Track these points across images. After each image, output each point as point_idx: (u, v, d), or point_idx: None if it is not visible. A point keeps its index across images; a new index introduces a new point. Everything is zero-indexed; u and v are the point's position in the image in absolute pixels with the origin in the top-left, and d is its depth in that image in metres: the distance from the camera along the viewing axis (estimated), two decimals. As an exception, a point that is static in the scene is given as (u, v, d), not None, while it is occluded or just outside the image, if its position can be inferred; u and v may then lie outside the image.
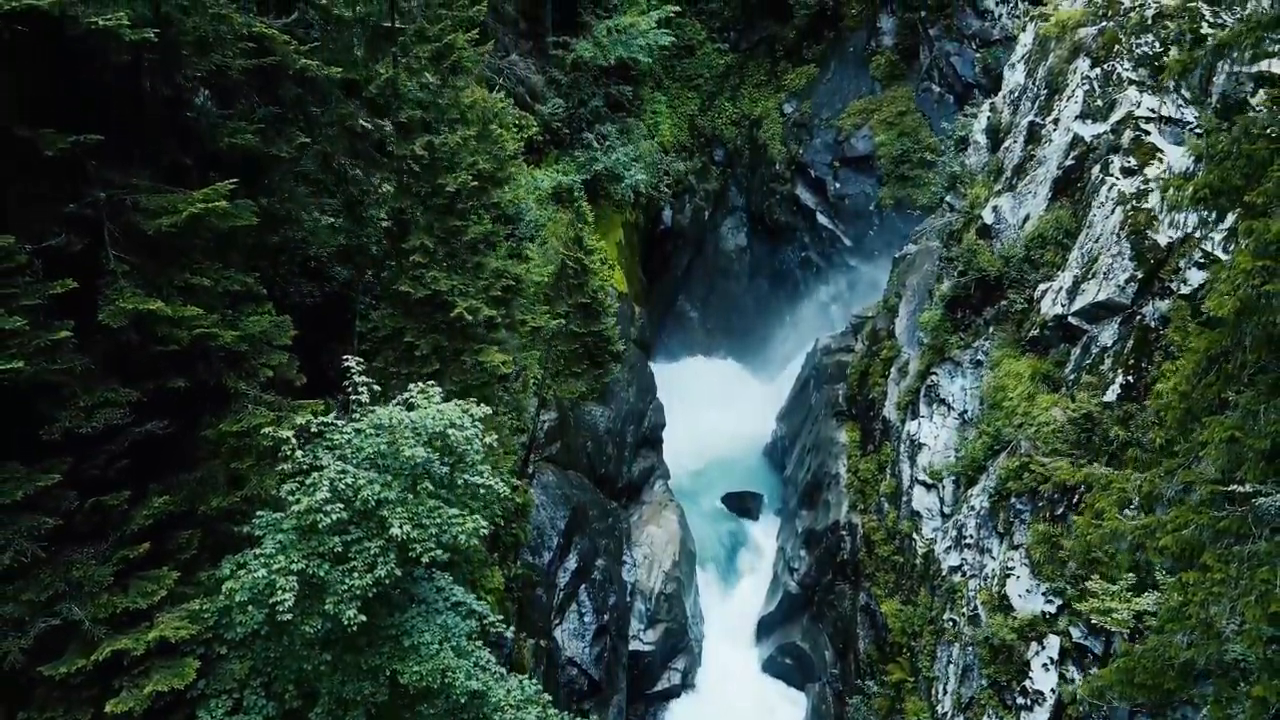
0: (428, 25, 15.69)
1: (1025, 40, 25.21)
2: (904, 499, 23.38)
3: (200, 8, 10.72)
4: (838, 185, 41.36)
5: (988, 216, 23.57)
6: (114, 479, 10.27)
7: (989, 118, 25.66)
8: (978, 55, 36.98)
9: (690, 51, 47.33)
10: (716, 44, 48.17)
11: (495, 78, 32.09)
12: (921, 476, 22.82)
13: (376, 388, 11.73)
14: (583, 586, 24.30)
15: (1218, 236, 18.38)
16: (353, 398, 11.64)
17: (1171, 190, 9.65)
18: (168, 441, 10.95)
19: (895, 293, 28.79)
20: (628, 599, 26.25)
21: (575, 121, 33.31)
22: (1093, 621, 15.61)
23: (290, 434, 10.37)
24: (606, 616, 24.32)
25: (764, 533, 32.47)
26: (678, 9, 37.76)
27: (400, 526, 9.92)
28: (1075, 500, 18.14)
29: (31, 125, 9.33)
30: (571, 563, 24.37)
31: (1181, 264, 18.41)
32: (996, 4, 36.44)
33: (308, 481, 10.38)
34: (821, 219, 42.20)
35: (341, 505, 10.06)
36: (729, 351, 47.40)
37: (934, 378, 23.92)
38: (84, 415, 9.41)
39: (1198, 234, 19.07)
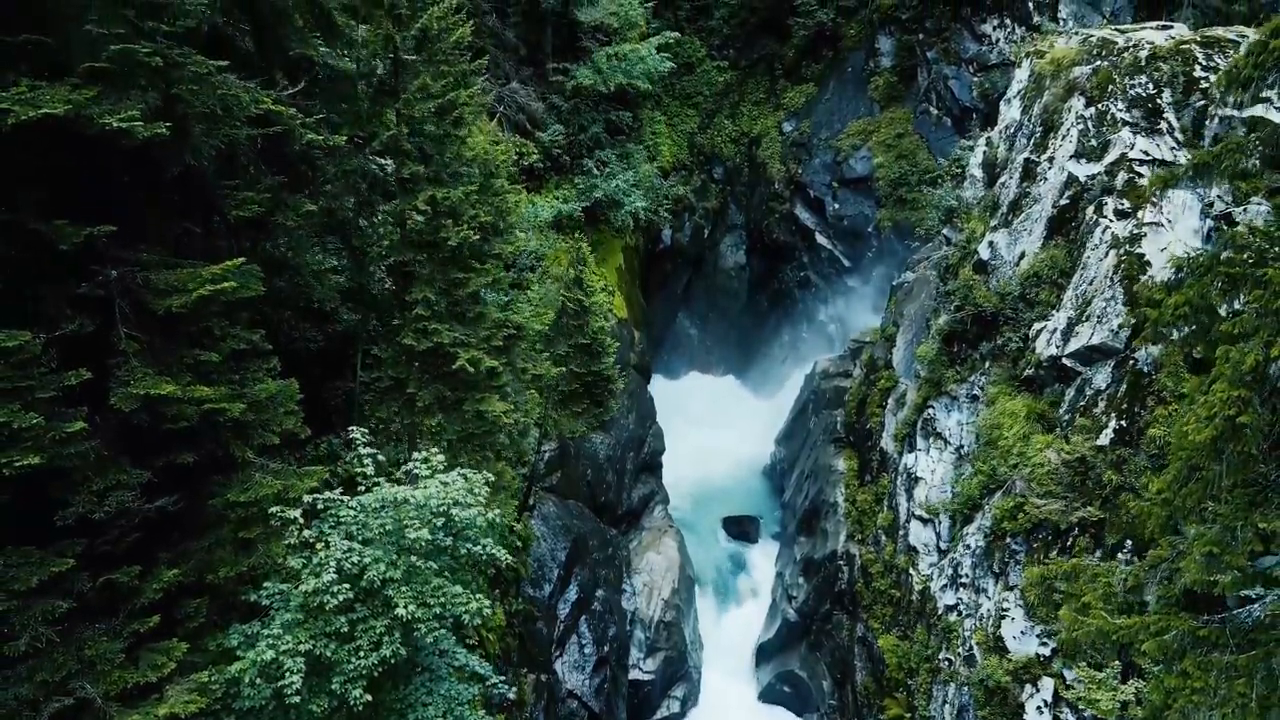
0: (430, 81, 15.91)
1: (1021, 76, 25.44)
2: (901, 533, 23.61)
3: (210, 90, 10.95)
4: (836, 206, 41.59)
5: (983, 252, 23.81)
6: (124, 554, 10.49)
7: (985, 151, 25.89)
8: (975, 80, 37.21)
9: (690, 69, 47.62)
10: (716, 61, 48.47)
11: (496, 105, 32.41)
12: (918, 511, 23.05)
13: (381, 458, 11.96)
14: (583, 618, 24.53)
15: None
16: (357, 470, 11.87)
17: (1154, 310, 9.87)
18: (177, 511, 11.17)
19: (893, 321, 29.03)
20: (627, 628, 26.49)
21: (575, 147, 33.55)
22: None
23: (298, 514, 10.60)
24: (606, 648, 24.55)
25: (763, 556, 32.70)
26: (677, 34, 37.95)
27: (405, 606, 10.15)
28: (1069, 543, 18.40)
29: (44, 217, 9.56)
30: (572, 594, 24.60)
31: (1174, 309, 18.63)
32: (994, 29, 36.66)
33: (315, 560, 10.61)
34: (820, 239, 42.45)
35: (348, 585, 10.29)
36: (728, 368, 47.66)
37: (930, 411, 24.15)
38: (96, 500, 9.64)
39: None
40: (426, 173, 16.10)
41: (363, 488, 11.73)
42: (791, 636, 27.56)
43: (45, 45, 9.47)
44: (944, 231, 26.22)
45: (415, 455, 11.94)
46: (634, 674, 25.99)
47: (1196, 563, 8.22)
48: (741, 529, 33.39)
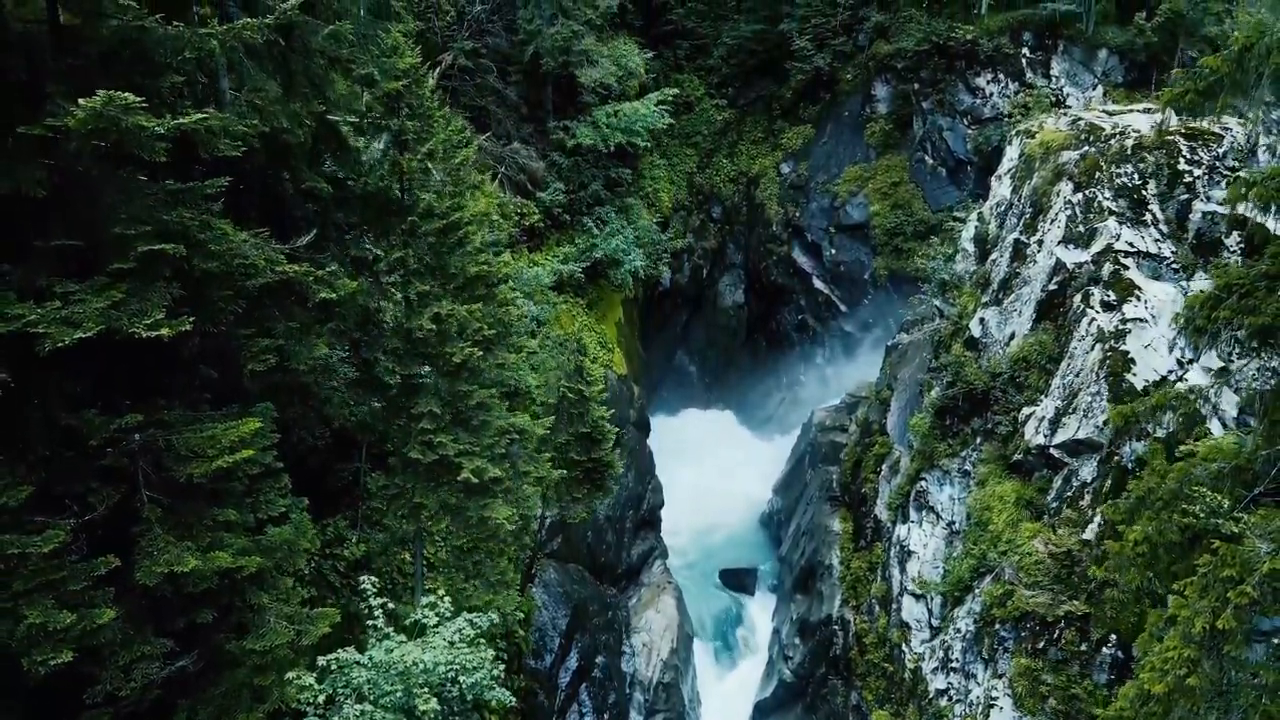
0: (435, 202, 16.46)
1: (1011, 154, 25.98)
2: (894, 606, 24.16)
3: (226, 257, 11.51)
4: (833, 251, 42.15)
5: (975, 329, 24.36)
6: (147, 711, 11.05)
7: (977, 227, 26.44)
8: (969, 132, 37.78)
9: (689, 107, 48.21)
10: (715, 100, 49.07)
11: (498, 166, 33.01)
12: (911, 586, 23.59)
13: (391, 606, 12.51)
14: (583, 686, 25.09)
15: (1193, 379, 19.28)
16: (368, 623, 12.42)
17: (1114, 544, 10.35)
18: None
19: (887, 384, 29.57)
20: (626, 690, 27.04)
21: (576, 204, 34.10)
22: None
23: (312, 679, 11.16)
24: (607, 715, 25.10)
25: (760, 609, 33.26)
26: (676, 90, 38.49)
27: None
28: (1056, 635, 18.94)
29: (73, 408, 10.12)
30: (572, 662, 25.15)
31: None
32: (988, 83, 37.23)
33: (329, 722, 11.19)
34: (818, 283, 43.02)
35: (362, 751, 10.88)
36: (726, 404, 48.23)
37: (923, 483, 24.69)
38: (123, 675, 10.19)
39: (1172, 377, 20.05)
40: (432, 287, 16.66)
41: (373, 641, 12.27)
42: (788, 697, 28.11)
43: (77, 247, 10.03)
44: (936, 303, 26.76)
45: (422, 600, 12.50)
46: (633, 737, 26.57)
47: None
48: (739, 581, 33.95)
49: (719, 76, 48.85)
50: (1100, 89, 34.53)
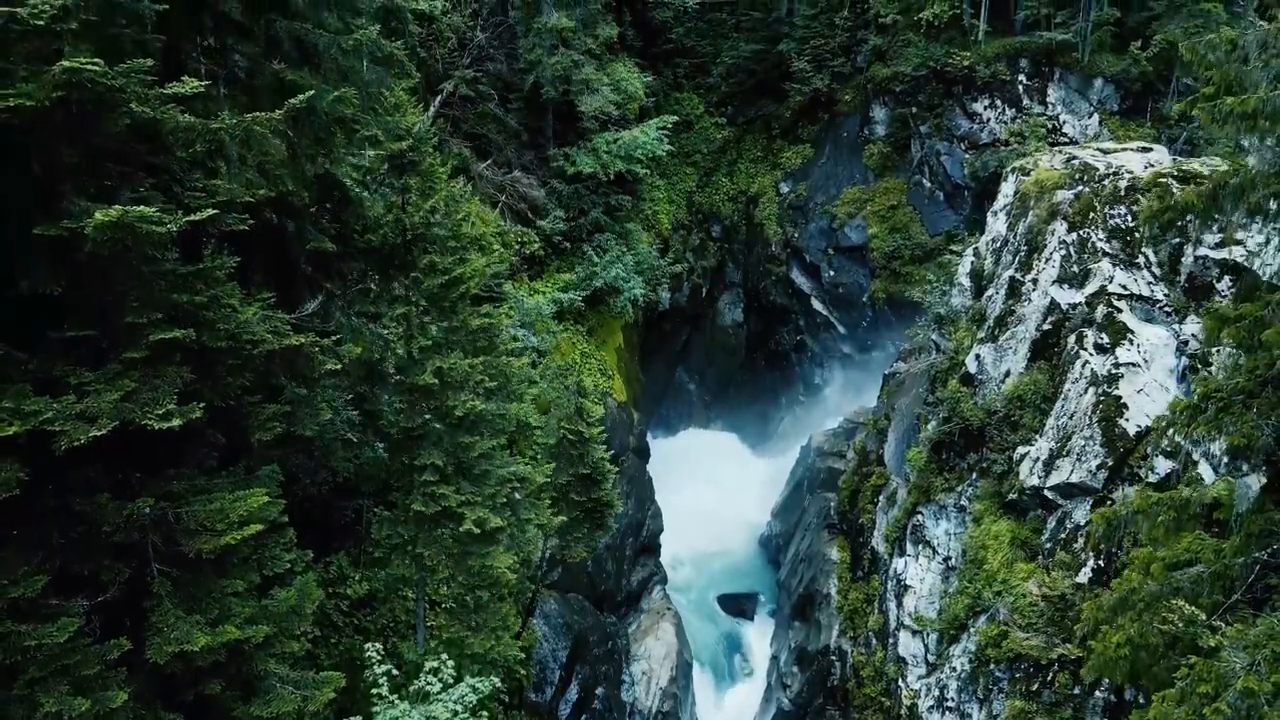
0: (438, 259, 16.73)
1: (1006, 191, 26.25)
2: (891, 640, 24.43)
3: (235, 334, 11.78)
4: (832, 273, 42.42)
5: (971, 365, 24.63)
6: (158, 782, 11.31)
7: (973, 262, 26.71)
8: (966, 157, 38.04)
9: (688, 126, 48.45)
10: (714, 118, 49.32)
11: (499, 195, 33.29)
12: (907, 621, 23.87)
13: (395, 672, 12.78)
14: (584, 718, 25.35)
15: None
16: (374, 692, 12.69)
17: (1098, 643, 10.67)
18: (204, 727, 11.99)
19: (885, 414, 29.83)
20: None
21: (576, 232, 34.36)
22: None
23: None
24: (607, 746, 25.40)
25: (759, 634, 33.54)
26: (675, 117, 38.77)
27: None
28: (1049, 678, 19.22)
29: (86, 493, 10.38)
30: (573, 694, 25.42)
31: (1149, 451, 19.48)
32: (985, 109, 37.51)
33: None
34: (816, 304, 43.30)
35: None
36: (726, 423, 48.52)
37: (919, 517, 24.97)
38: (138, 757, 10.47)
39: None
40: (435, 341, 16.93)
41: (378, 710, 12.55)
42: (786, 725, 28.42)
43: (91, 338, 10.30)
44: (933, 337, 27.03)
45: (426, 665, 12.78)
46: (633, 767, 26.85)
47: None
48: (738, 606, 34.24)
49: (718, 95, 49.07)
50: (1096, 117, 34.81)
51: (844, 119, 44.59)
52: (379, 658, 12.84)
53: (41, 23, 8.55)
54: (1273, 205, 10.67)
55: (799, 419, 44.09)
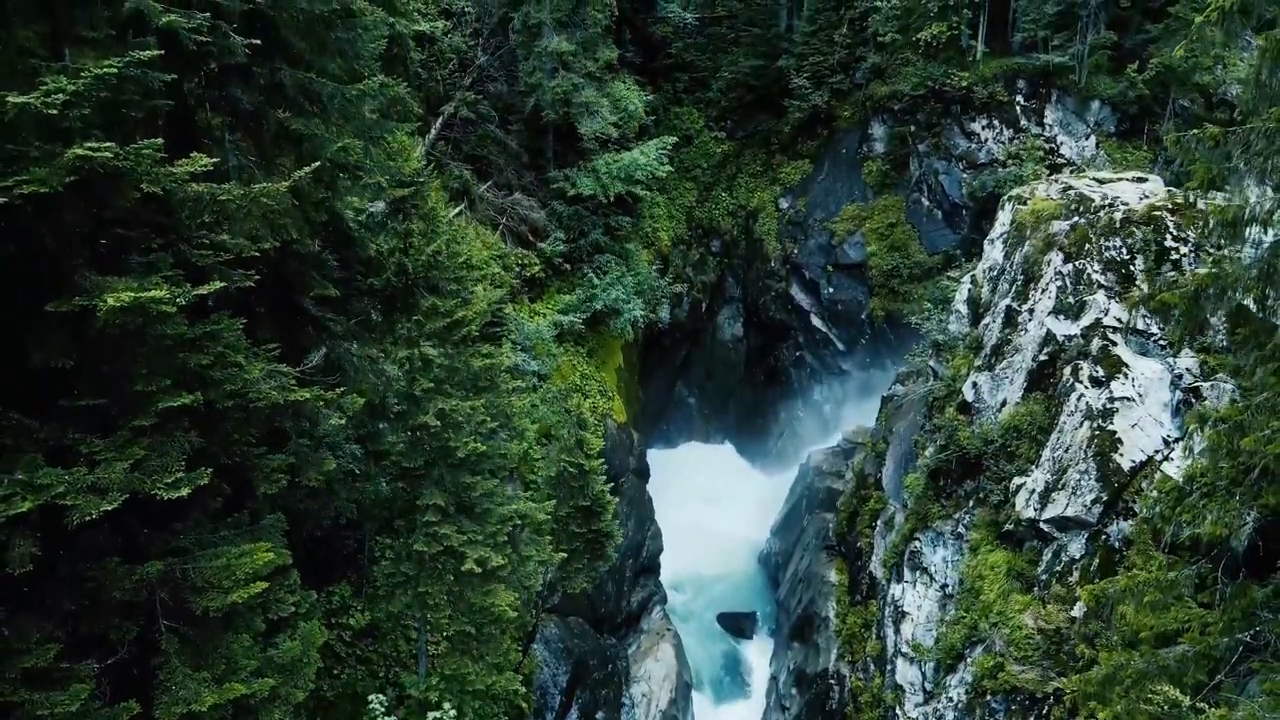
0: (440, 301, 16.94)
1: (1003, 220, 26.45)
2: (888, 667, 24.64)
3: (241, 394, 11.99)
4: (831, 290, 42.63)
5: (968, 393, 24.83)
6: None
7: (970, 290, 26.91)
8: (964, 176, 38.25)
9: (688, 140, 48.66)
10: (714, 132, 49.54)
11: (499, 217, 33.51)
12: (905, 648, 24.07)
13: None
14: (584, 742, 25.59)
15: (1176, 459, 19.78)
16: (378, 741, 12.92)
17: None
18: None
19: (883, 437, 30.04)
20: (626, 743, 27.53)
21: (576, 253, 34.57)
22: None
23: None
24: (607, 771, 25.60)
25: (758, 653, 33.76)
26: (674, 138, 38.97)
27: None
28: (1045, 711, 19.42)
29: (95, 560, 10.59)
30: (573, 718, 25.62)
31: (1144, 486, 19.69)
32: (983, 129, 37.70)
33: None
34: (815, 321, 43.52)
35: None
36: (726, 436, 48.76)
37: (917, 544, 25.17)
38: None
39: (1158, 458, 20.54)
40: (437, 383, 17.13)
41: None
42: (785, 747, 28.63)
43: (100, 406, 10.50)
44: (931, 363, 27.23)
45: (430, 716, 12.98)
46: (633, 790, 27.07)
47: None
48: (737, 625, 34.43)
49: (718, 109, 49.30)
50: (1093, 139, 35.02)
51: (843, 135, 44.80)
52: (382, 710, 13.05)
53: (54, 112, 8.75)
54: (1252, 307, 10.91)
55: (798, 434, 44.31)
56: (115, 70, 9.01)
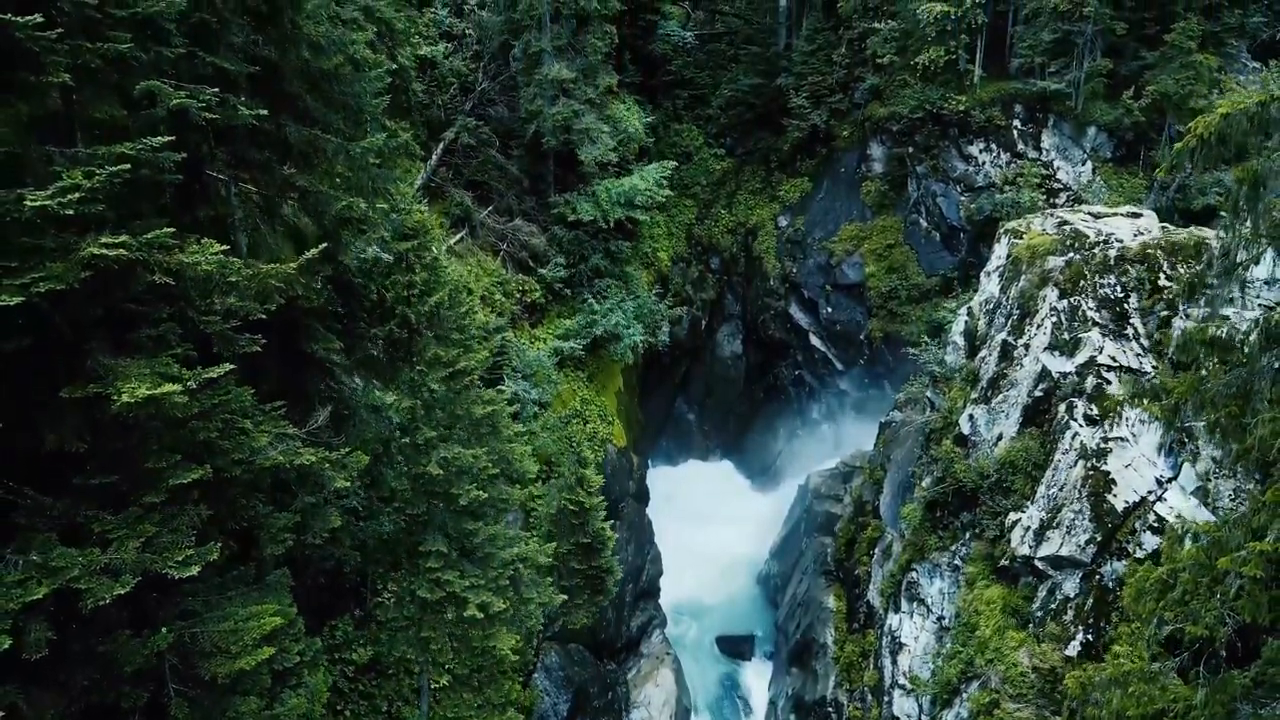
0: (442, 352, 17.18)
1: (999, 253, 26.69)
2: (886, 698, 24.88)
3: (249, 462, 12.24)
4: (829, 310, 42.86)
5: (964, 426, 25.07)
6: None
7: (966, 322, 27.15)
8: (962, 199, 38.48)
9: (688, 157, 48.88)
10: (713, 149, 49.75)
11: (500, 243, 33.75)
12: (902, 680, 24.32)
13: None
14: (584, 771, 25.83)
15: (1171, 499, 20.04)
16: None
17: None
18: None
19: (881, 465, 30.29)
20: (627, 770, 27.78)
21: (576, 278, 34.80)
22: None
23: None
24: (607, 800, 25.85)
25: (756, 676, 34.00)
26: (675, 163, 39.22)
27: None
28: (1039, 749, 19.68)
29: (107, 634, 10.85)
30: (574, 748, 25.88)
31: (1137, 526, 19.94)
32: (980, 152, 37.93)
33: None
34: (814, 340, 43.74)
35: None
36: (726, 453, 48.97)
37: (914, 574, 25.42)
38: None
39: (1150, 498, 20.79)
40: (439, 432, 17.38)
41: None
42: (783, 773, 28.87)
43: (111, 483, 10.75)
44: (928, 394, 27.48)
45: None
46: (632, 817, 27.31)
47: None
48: (736, 648, 34.67)
49: (717, 126, 49.47)
50: (1090, 164, 35.26)
51: (842, 154, 44.98)
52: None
53: (71, 212, 8.99)
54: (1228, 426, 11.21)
55: (797, 453, 44.52)
56: (128, 168, 9.24)
